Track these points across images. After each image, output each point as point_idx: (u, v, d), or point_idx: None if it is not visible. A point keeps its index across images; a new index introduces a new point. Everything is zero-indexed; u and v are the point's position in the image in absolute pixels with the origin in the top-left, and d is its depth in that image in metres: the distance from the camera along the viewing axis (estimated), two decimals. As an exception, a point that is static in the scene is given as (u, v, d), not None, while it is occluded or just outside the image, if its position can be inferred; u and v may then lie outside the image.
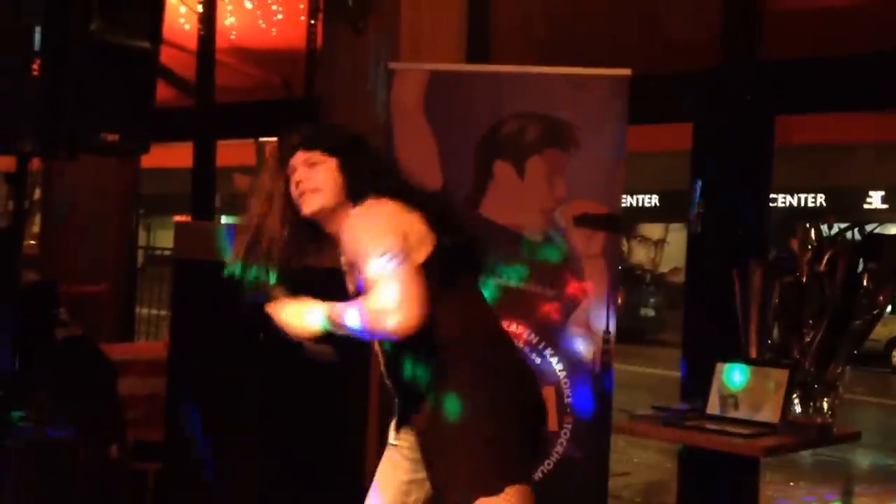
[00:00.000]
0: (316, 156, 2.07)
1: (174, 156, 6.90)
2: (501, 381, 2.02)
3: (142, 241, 12.96)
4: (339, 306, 1.98)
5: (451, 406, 1.97)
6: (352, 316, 1.93)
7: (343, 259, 2.10)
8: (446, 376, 1.99)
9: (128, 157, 5.40)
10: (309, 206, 2.05)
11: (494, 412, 1.98)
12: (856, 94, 3.52)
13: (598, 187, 3.27)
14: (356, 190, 2.05)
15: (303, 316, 2.03)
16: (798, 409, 3.06)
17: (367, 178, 2.06)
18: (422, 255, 1.94)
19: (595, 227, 3.22)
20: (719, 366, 3.01)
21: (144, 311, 7.14)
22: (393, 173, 2.12)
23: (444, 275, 1.97)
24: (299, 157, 2.08)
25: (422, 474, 2.06)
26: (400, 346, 2.00)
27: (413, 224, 1.97)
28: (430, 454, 2.01)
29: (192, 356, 3.45)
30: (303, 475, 3.34)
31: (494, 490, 1.91)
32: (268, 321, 2.11)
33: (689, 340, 3.73)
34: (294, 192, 2.07)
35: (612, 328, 3.22)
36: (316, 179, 2.05)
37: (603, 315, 3.21)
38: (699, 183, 3.55)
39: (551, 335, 3.24)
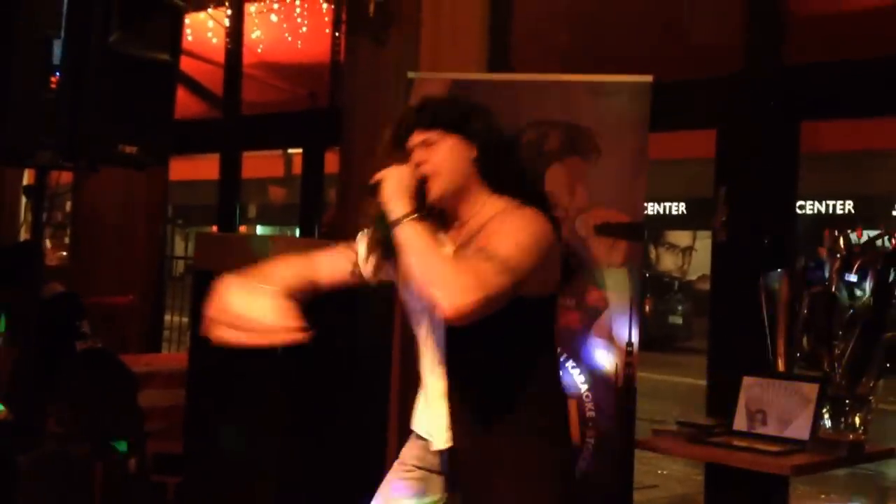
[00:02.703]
0: (434, 135, 1.89)
1: (209, 167, 6.96)
2: (565, 433, 1.99)
3: (179, 250, 13.13)
4: (429, 239, 1.77)
5: (523, 434, 1.89)
6: (428, 256, 1.74)
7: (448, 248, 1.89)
8: (527, 400, 1.89)
9: (153, 169, 5.45)
10: (431, 192, 1.87)
11: (562, 460, 1.95)
12: (883, 99, 3.44)
13: (620, 196, 3.23)
14: (494, 177, 1.90)
15: (398, 195, 1.80)
16: (829, 424, 2.98)
17: (501, 160, 1.91)
18: (532, 291, 1.83)
19: (616, 236, 3.17)
20: (746, 379, 2.94)
21: (177, 319, 7.21)
22: (517, 151, 1.99)
23: (546, 315, 1.94)
24: (416, 138, 1.91)
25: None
26: (488, 361, 1.87)
27: (551, 259, 1.86)
28: (474, 481, 1.91)
29: (212, 367, 3.45)
30: (324, 485, 3.32)
31: None
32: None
33: (716, 352, 3.66)
34: (415, 175, 1.87)
35: (636, 339, 3.17)
36: (434, 163, 1.88)
37: (626, 326, 3.16)
38: (723, 190, 3.50)
39: (573, 346, 3.19)
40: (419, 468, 2.04)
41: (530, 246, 1.79)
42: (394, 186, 1.83)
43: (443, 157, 1.88)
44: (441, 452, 1.98)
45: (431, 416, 1.97)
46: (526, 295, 1.81)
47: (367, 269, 1.99)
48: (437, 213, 1.93)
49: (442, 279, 1.71)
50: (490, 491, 1.88)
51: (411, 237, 1.78)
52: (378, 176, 1.86)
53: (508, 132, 2.01)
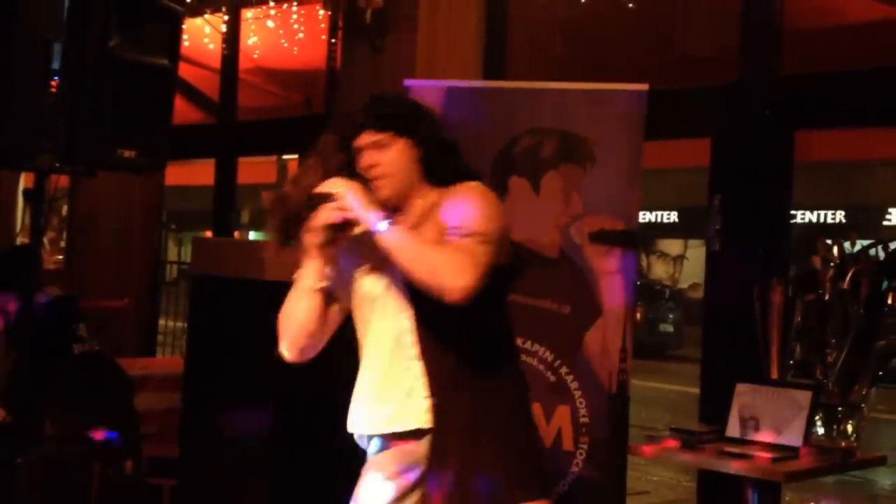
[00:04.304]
0: (385, 137, 1.96)
1: (206, 172, 6.97)
2: (528, 395, 2.09)
3: (173, 255, 13.10)
4: (413, 236, 1.90)
5: (503, 402, 1.99)
6: (420, 250, 1.87)
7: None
8: (501, 372, 2.01)
9: (149, 174, 5.47)
10: (382, 192, 1.95)
11: (532, 419, 2.08)
12: (876, 109, 3.47)
13: (615, 203, 3.25)
14: (435, 173, 1.99)
15: (365, 205, 1.89)
16: (821, 431, 3.00)
17: (444, 159, 2.00)
18: (503, 259, 1.95)
19: (611, 244, 3.18)
20: (739, 386, 2.95)
21: (171, 323, 7.21)
22: (458, 150, 2.06)
23: (508, 282, 2.03)
24: (365, 139, 1.96)
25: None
26: (461, 324, 1.94)
27: (504, 227, 1.98)
28: (465, 454, 1.94)
29: (208, 370, 3.46)
30: (318, 488, 3.33)
31: (544, 495, 1.92)
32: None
33: (709, 360, 3.68)
34: (362, 173, 1.96)
35: (629, 346, 3.19)
36: (385, 164, 1.95)
37: (619, 332, 3.17)
38: (717, 198, 3.52)
39: (566, 353, 3.21)
40: (395, 480, 2.00)
41: (494, 213, 1.95)
42: (359, 197, 1.91)
43: (394, 159, 1.96)
44: (420, 436, 1.97)
45: (401, 404, 1.98)
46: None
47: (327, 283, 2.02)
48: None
49: (441, 268, 1.84)
50: (482, 451, 1.94)
51: (399, 239, 1.89)
52: (327, 189, 1.93)
53: (449, 134, 2.09)
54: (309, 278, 1.97)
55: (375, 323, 2.02)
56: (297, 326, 2.00)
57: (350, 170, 1.99)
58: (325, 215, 1.91)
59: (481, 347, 2.00)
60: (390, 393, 2.00)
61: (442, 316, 1.92)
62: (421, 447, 1.97)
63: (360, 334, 2.07)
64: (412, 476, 1.98)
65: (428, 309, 1.94)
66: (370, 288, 2.02)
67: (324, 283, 1.97)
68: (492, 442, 1.96)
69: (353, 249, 2.00)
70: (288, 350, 2.04)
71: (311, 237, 1.93)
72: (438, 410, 1.96)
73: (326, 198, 1.92)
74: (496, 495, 1.93)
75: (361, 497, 2.04)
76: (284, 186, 2.06)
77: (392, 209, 1.98)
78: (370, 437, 2.07)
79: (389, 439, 2.01)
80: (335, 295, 2.04)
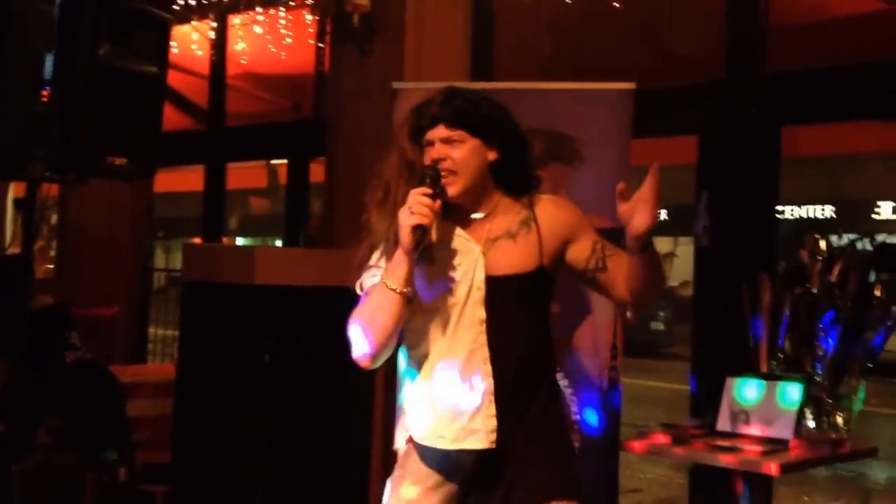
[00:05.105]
0: (457, 133, 1.93)
1: (192, 179, 6.96)
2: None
3: (160, 263, 13.08)
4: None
5: (555, 408, 2.05)
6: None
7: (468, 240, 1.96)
8: (551, 377, 2.07)
9: (139, 181, 5.47)
10: (449, 188, 1.92)
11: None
12: (861, 104, 3.51)
13: (603, 202, 3.24)
14: (510, 182, 1.99)
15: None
16: (812, 423, 3.03)
17: (517, 167, 1.99)
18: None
19: (601, 242, 3.21)
20: (730, 380, 2.98)
21: (161, 332, 7.19)
22: (531, 157, 2.08)
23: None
24: (439, 132, 1.94)
25: None
26: (527, 338, 1.98)
27: None
28: (525, 465, 1.94)
29: (200, 376, 3.46)
30: (311, 493, 3.34)
31: (581, 498, 1.95)
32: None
33: (699, 355, 3.71)
34: (429, 164, 1.93)
35: (620, 343, 3.21)
36: (456, 160, 1.93)
37: (609, 330, 3.19)
38: (705, 195, 3.55)
39: (557, 351, 3.22)
40: (436, 486, 1.98)
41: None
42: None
43: (465, 157, 1.93)
44: (470, 453, 1.95)
45: (466, 420, 1.95)
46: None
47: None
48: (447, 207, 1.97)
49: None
50: (531, 468, 1.95)
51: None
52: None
53: (524, 137, 2.06)
54: (395, 282, 1.87)
55: (449, 334, 1.96)
56: (383, 331, 1.89)
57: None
58: (418, 211, 1.84)
59: (543, 359, 2.05)
60: (463, 407, 1.95)
61: (511, 329, 1.95)
62: (470, 460, 1.97)
63: (417, 343, 1.99)
64: (452, 487, 1.99)
65: (499, 322, 1.94)
66: (453, 297, 1.96)
67: (410, 288, 1.89)
68: (548, 451, 1.98)
69: (432, 255, 1.94)
70: (370, 355, 1.92)
71: (403, 234, 1.86)
72: (500, 430, 1.94)
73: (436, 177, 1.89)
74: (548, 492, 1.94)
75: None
76: (376, 177, 1.99)
77: (461, 209, 1.96)
78: (424, 447, 2.00)
79: (452, 454, 1.97)
80: (412, 301, 1.94)
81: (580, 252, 2.02)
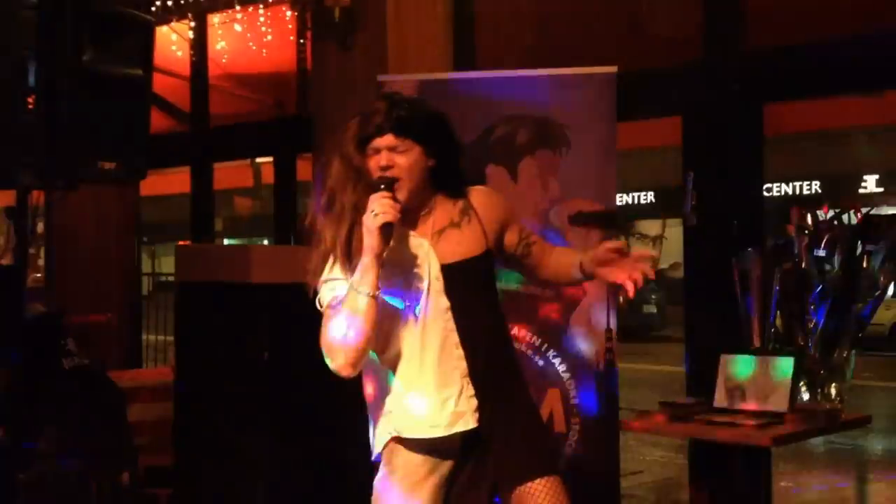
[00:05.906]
0: (403, 142, 2.00)
1: (173, 182, 6.94)
2: None
3: (146, 267, 13.01)
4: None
5: (523, 382, 2.14)
6: None
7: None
8: (513, 354, 2.19)
9: (127, 185, 5.45)
10: (398, 193, 1.98)
11: None
12: (841, 78, 3.53)
13: (592, 185, 3.30)
14: (446, 182, 2.08)
15: None
16: (806, 396, 3.06)
17: (454, 169, 2.09)
18: None
19: (590, 225, 3.23)
20: (724, 358, 3.01)
21: (152, 337, 7.16)
22: (461, 164, 2.15)
23: None
24: (386, 140, 2.00)
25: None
26: (488, 318, 2.09)
27: None
28: (509, 443, 2.03)
29: (198, 377, 3.47)
30: (313, 493, 3.35)
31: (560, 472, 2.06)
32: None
33: (692, 334, 3.74)
34: (375, 174, 2.00)
35: (614, 326, 3.24)
36: (403, 167, 2.00)
37: (604, 313, 3.22)
38: (691, 175, 3.57)
39: (553, 336, 3.25)
40: (429, 473, 2.04)
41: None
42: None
43: (410, 164, 2.02)
44: (460, 434, 2.03)
45: (453, 405, 2.02)
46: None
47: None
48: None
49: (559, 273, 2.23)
50: (515, 447, 2.04)
51: None
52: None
53: (459, 141, 2.16)
54: (365, 286, 1.92)
55: (420, 328, 2.02)
56: (362, 338, 1.93)
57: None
58: (383, 210, 1.91)
59: (504, 340, 2.16)
60: (446, 393, 2.02)
61: (474, 312, 2.05)
62: (457, 441, 2.04)
63: (388, 345, 2.03)
64: (444, 469, 2.06)
65: (462, 306, 2.03)
66: (415, 292, 2.02)
67: (379, 290, 1.93)
68: (525, 427, 2.08)
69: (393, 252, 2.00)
70: (348, 365, 1.96)
71: (370, 238, 1.92)
72: (481, 408, 2.03)
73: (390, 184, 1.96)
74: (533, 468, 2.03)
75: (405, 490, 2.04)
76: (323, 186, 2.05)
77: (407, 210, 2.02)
78: (415, 440, 2.04)
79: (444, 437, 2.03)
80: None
81: (511, 237, 2.17)
